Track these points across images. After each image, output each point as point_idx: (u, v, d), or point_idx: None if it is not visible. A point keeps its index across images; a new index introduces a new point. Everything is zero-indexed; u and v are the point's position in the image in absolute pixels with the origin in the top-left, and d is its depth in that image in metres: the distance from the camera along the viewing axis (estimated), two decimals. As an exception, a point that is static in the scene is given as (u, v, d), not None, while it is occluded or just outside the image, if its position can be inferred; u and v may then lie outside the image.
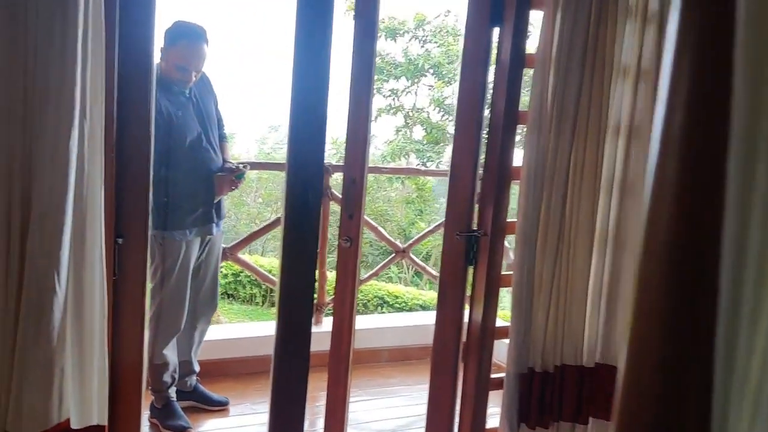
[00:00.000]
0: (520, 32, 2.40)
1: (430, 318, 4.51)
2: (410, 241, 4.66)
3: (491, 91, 2.49)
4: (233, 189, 3.26)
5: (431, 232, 4.76)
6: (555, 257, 2.45)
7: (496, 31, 2.47)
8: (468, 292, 2.64)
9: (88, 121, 1.72)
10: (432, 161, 11.69)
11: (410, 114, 12.36)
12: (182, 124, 3.05)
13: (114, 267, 1.94)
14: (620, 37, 2.43)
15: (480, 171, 2.55)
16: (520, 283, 2.43)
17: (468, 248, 2.55)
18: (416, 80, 12.12)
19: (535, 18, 2.45)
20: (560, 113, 2.37)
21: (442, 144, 12.07)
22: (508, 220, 2.53)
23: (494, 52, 2.50)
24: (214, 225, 3.24)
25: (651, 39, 2.46)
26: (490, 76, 2.50)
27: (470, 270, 2.61)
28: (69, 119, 1.67)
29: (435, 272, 5.27)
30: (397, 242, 4.70)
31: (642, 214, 0.68)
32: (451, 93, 11.99)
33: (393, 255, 4.54)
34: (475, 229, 2.55)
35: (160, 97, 2.90)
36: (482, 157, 2.55)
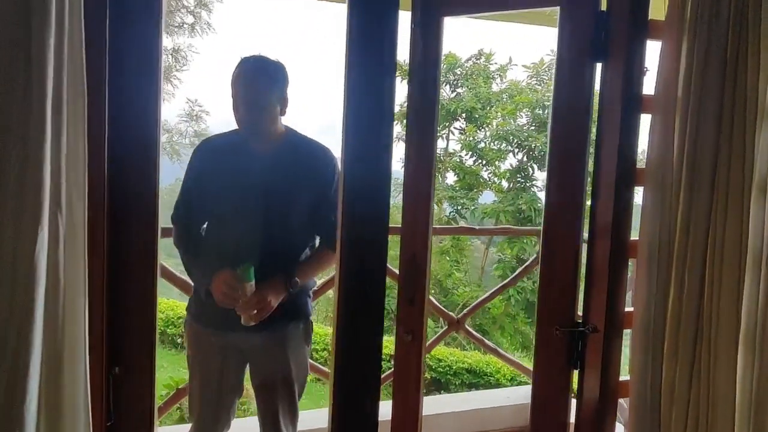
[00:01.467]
0: (633, 68, 1.85)
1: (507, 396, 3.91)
2: (465, 311, 4.06)
3: (594, 142, 1.94)
4: (229, 300, 2.13)
5: (489, 299, 4.17)
6: (691, 361, 1.85)
7: (598, 66, 1.92)
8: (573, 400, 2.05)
9: (64, 217, 1.20)
10: (467, 208, 11.14)
11: (441, 159, 11.88)
12: (226, 187, 2.24)
13: (108, 408, 1.39)
14: (765, 71, 1.87)
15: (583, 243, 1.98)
16: (642, 396, 1.83)
17: (571, 347, 1.96)
18: (447, 124, 11.67)
19: (651, 49, 1.90)
20: (691, 170, 1.80)
21: (476, 190, 11.53)
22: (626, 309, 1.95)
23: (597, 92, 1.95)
24: (253, 333, 2.23)
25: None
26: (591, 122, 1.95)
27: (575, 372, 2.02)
28: (35, 216, 1.15)
29: (491, 343, 4.66)
30: (448, 311, 4.10)
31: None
32: (483, 137, 11.51)
33: (446, 328, 3.94)
34: (579, 322, 1.96)
35: (214, 151, 2.31)
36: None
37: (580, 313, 2.00)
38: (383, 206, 1.99)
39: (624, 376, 1.99)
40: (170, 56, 11.35)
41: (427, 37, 2.06)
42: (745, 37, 1.81)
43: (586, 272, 1.97)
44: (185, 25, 11.22)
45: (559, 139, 1.97)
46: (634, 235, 1.93)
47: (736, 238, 1.84)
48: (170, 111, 11.84)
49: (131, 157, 1.45)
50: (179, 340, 8.58)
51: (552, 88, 2.00)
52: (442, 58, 10.32)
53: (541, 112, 10.87)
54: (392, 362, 2.27)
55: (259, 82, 2.16)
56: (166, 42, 11.28)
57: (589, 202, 1.96)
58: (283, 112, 2.22)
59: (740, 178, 1.83)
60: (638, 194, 1.91)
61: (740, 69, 1.80)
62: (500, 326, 11.06)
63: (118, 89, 1.42)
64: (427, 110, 2.07)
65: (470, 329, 4.10)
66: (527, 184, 11.15)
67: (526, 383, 6.44)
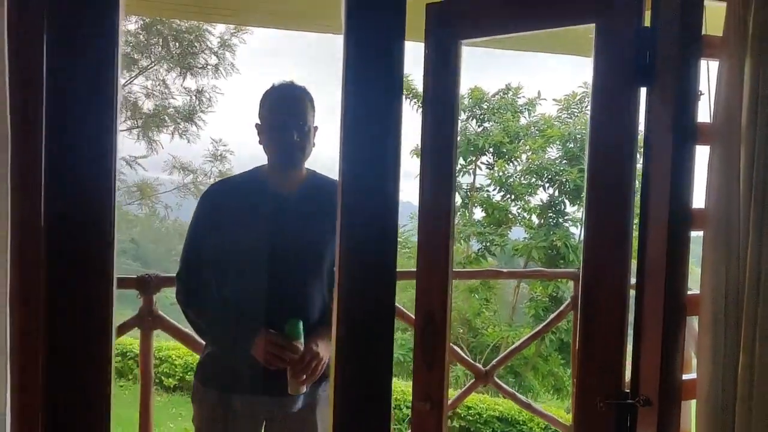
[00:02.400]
0: (686, 92, 1.57)
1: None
2: (493, 362, 3.73)
3: (641, 180, 1.65)
4: (279, 362, 1.92)
5: (520, 348, 3.85)
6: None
7: (643, 92, 1.65)
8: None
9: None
10: (496, 245, 10.78)
11: (469, 194, 11.58)
12: (251, 235, 2.00)
13: None
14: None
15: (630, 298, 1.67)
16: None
17: (619, 423, 1.65)
18: (474, 159, 11.41)
19: (706, 69, 1.62)
20: (762, 211, 1.50)
21: (504, 226, 11.19)
22: (685, 377, 1.63)
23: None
24: (286, 396, 1.99)
25: None
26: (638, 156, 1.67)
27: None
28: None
29: (524, 398, 4.31)
30: (477, 363, 3.78)
31: None
32: (513, 171, 11.21)
33: (473, 381, 3.62)
34: (627, 391, 1.65)
35: (231, 194, 2.08)
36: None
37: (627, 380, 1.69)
38: (389, 246, 1.72)
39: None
40: (194, 97, 11.32)
41: (442, 64, 1.81)
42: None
43: (634, 331, 1.67)
44: (209, 66, 11.19)
45: (599, 175, 1.69)
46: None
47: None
48: (195, 152, 11.78)
49: (77, 207, 1.22)
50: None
51: (589, 118, 1.73)
52: (467, 92, 10.10)
53: (572, 145, 10.52)
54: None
55: (299, 104, 2.00)
56: (190, 83, 11.27)
57: (635, 248, 1.67)
58: (313, 143, 2.04)
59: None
60: (695, 242, 1.61)
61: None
62: (533, 367, 10.58)
63: (60, 130, 1.20)
64: (445, 141, 1.81)
65: (499, 381, 3.77)
66: (559, 220, 10.76)
67: (560, 433, 6.03)
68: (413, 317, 1.94)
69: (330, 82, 2.13)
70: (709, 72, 1.62)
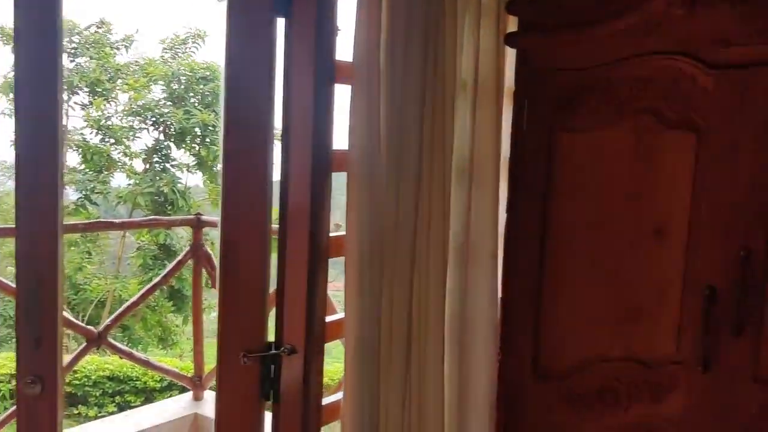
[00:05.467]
0: (325, 28, 1.49)
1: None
2: (107, 322, 3.36)
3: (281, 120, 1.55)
4: None
5: (136, 304, 3.53)
6: (404, 370, 1.60)
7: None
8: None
9: None
10: (98, 193, 9.91)
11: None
12: None
13: None
14: (461, 35, 1.68)
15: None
16: (359, 417, 1.53)
17: (264, 375, 1.56)
18: (66, 98, 10.20)
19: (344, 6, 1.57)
20: (398, 153, 1.53)
21: (106, 173, 10.35)
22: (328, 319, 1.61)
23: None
24: None
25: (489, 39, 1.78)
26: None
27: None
28: None
29: (143, 356, 4.04)
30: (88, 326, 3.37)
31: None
32: (114, 112, 10.35)
33: (84, 345, 3.21)
34: (272, 342, 1.57)
35: None
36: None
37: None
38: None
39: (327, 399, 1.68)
40: None
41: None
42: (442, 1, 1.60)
43: (278, 278, 1.59)
44: None
45: (236, 115, 1.53)
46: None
47: (440, 228, 1.65)
48: None
49: None
50: None
51: (225, 52, 1.54)
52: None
53: (177, 86, 10.14)
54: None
55: None
56: None
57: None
58: None
59: (442, 159, 1.63)
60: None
61: (438, 34, 1.58)
62: (142, 318, 10.13)
63: None
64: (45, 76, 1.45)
65: (113, 342, 3.44)
66: (166, 165, 10.34)
67: (176, 386, 5.90)
68: (12, 286, 1.55)
69: None
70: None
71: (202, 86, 10.26)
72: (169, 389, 6.71)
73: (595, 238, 1.72)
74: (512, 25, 1.82)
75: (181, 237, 9.68)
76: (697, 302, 1.57)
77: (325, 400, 1.69)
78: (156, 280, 3.84)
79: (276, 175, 1.56)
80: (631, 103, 1.64)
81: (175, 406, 3.57)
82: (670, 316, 1.62)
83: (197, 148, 10.30)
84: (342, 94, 1.54)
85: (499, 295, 1.87)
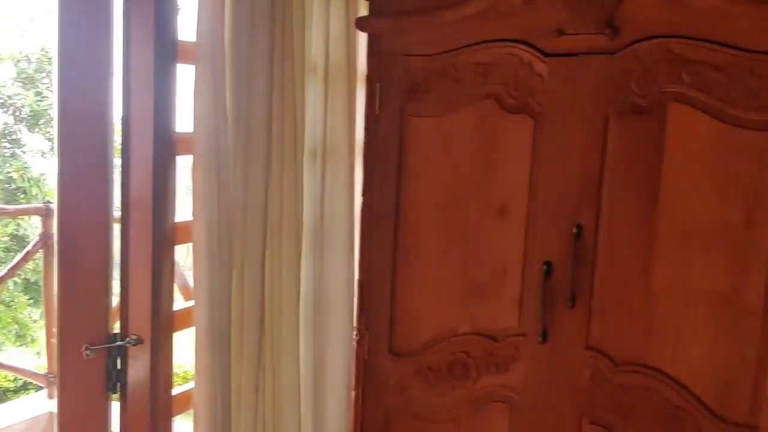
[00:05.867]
0: (165, 5, 1.44)
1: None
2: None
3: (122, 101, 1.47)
4: None
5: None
6: (257, 356, 1.59)
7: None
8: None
9: None
10: None
11: None
12: None
13: None
14: (309, 17, 1.68)
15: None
16: (211, 408, 1.50)
17: (109, 368, 1.50)
18: None
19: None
20: (246, 135, 1.51)
21: None
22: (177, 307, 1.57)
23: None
24: None
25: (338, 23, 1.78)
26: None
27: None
28: None
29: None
30: None
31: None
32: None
33: None
34: (117, 333, 1.50)
35: None
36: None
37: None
38: None
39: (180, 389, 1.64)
40: None
41: None
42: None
43: (121, 267, 1.52)
44: None
45: (71, 97, 1.44)
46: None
47: (292, 210, 1.64)
48: None
49: None
50: None
51: (57, 29, 1.44)
52: None
53: (27, 66, 9.41)
54: None
55: None
56: None
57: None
58: None
59: (293, 141, 1.62)
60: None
61: (287, 14, 1.57)
62: (-7, 316, 9.39)
63: None
64: None
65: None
66: (16, 150, 9.60)
67: (33, 384, 5.53)
68: None
69: None
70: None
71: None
72: (24, 388, 6.28)
73: (444, 218, 1.78)
74: (364, 9, 1.84)
75: (36, 227, 9.06)
76: (536, 277, 1.66)
77: (178, 390, 1.65)
78: (2, 272, 3.57)
79: (118, 160, 1.49)
80: (475, 88, 1.71)
81: (29, 405, 3.39)
82: (512, 292, 1.71)
83: (52, 133, 9.64)
84: (187, 76, 1.49)
85: (356, 276, 1.90)
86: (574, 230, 1.61)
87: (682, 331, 1.55)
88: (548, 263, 1.65)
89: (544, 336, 1.66)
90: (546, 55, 1.62)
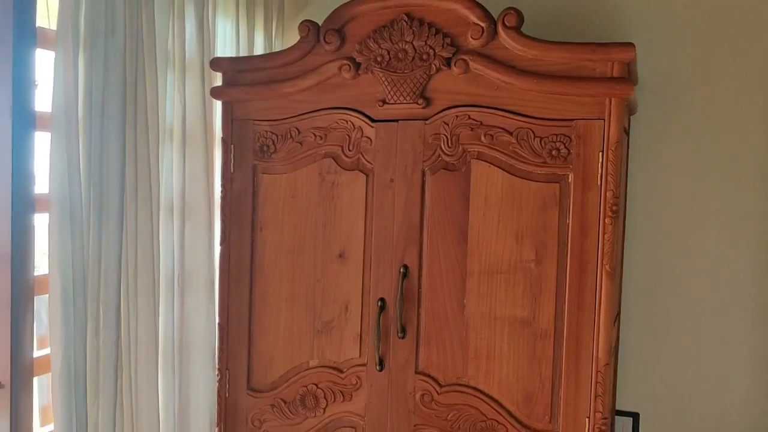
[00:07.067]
0: (24, 78, 1.61)
1: None
2: None
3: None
4: None
5: None
6: (113, 395, 1.73)
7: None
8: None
9: None
10: None
11: None
12: None
13: None
14: (162, 86, 1.88)
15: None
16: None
17: (-32, 415, 1.60)
18: None
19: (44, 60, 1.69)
20: (99, 195, 1.68)
21: None
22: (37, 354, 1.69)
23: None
24: None
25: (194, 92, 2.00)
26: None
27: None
28: None
29: None
30: None
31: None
32: None
33: None
34: (-25, 381, 1.61)
35: None
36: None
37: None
38: None
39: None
40: None
41: None
42: (143, 55, 1.79)
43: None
44: None
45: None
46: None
47: (148, 260, 1.81)
48: None
49: None
50: None
51: None
52: None
53: None
54: None
55: None
56: None
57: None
58: None
59: (148, 199, 1.80)
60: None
61: (140, 88, 1.77)
62: None
63: None
64: None
65: None
66: None
67: None
68: None
69: None
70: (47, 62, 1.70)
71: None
72: None
73: (293, 263, 1.99)
74: (218, 79, 2.06)
75: None
76: (373, 313, 1.89)
77: (43, 430, 1.76)
78: None
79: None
80: (315, 149, 1.95)
81: None
82: (354, 326, 1.94)
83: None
84: (45, 143, 1.65)
85: (216, 320, 2.07)
86: (401, 270, 1.86)
87: (491, 353, 1.81)
88: (382, 299, 1.88)
89: (381, 364, 1.89)
90: (373, 120, 1.89)
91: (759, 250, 2.14)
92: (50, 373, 1.65)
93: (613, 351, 2.03)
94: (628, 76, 1.70)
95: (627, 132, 2.12)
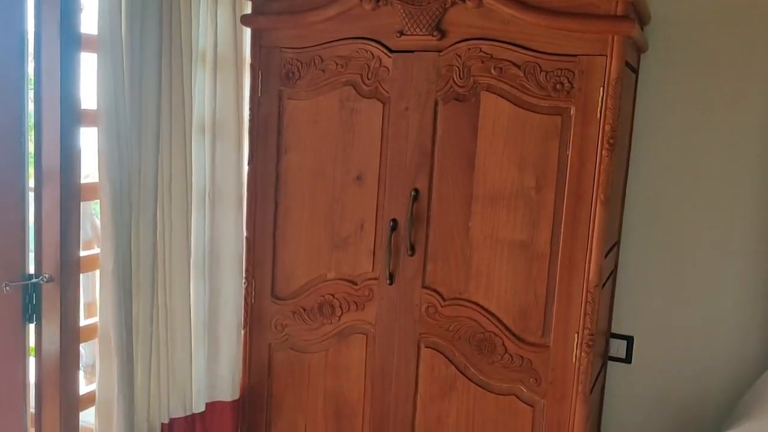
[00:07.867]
0: (71, 5, 1.76)
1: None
2: None
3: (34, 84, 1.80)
4: None
5: None
6: (151, 293, 1.95)
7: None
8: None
9: None
10: None
11: None
12: None
13: None
14: (196, 13, 2.03)
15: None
16: (118, 333, 1.86)
17: (26, 302, 1.83)
18: None
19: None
20: (138, 112, 1.85)
21: None
22: (82, 254, 1.91)
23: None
24: None
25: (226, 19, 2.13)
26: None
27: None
28: None
29: None
30: None
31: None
32: None
33: None
34: (32, 273, 1.84)
35: None
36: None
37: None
38: None
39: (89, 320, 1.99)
40: None
41: None
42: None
43: (35, 221, 1.85)
44: None
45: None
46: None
47: (181, 174, 1.99)
48: None
49: None
50: None
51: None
52: None
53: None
54: None
55: None
56: None
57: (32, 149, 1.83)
58: None
59: (182, 118, 1.97)
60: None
61: (175, 13, 1.91)
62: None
63: None
64: None
65: None
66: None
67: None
68: None
69: None
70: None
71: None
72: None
73: (315, 184, 2.15)
74: (249, 8, 2.19)
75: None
76: (384, 232, 2.06)
77: (87, 321, 1.99)
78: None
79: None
80: (337, 77, 2.08)
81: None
82: (368, 244, 2.11)
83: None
84: (91, 63, 1.82)
85: (244, 233, 2.26)
86: (413, 193, 2.01)
87: (492, 271, 1.97)
88: (394, 220, 2.04)
89: (391, 278, 2.06)
90: (391, 51, 2.00)
91: (761, 184, 2.22)
92: (96, 271, 1.87)
93: (608, 275, 2.17)
94: (634, 15, 1.77)
95: (635, 70, 2.19)
